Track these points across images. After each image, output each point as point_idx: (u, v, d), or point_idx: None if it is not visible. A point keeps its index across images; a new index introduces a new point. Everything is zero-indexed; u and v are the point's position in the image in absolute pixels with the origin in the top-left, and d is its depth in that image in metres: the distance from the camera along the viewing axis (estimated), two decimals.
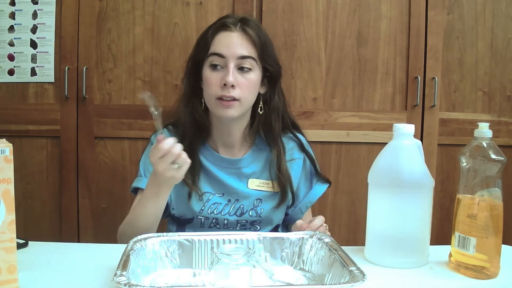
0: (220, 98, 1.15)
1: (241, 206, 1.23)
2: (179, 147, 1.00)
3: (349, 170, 1.87)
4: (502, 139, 1.87)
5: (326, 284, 0.82)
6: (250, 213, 1.23)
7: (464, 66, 1.88)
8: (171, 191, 1.15)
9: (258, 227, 1.25)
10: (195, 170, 1.21)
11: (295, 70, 1.85)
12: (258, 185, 1.25)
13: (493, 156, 0.88)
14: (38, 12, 1.84)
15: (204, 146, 1.26)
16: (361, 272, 0.75)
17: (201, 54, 1.20)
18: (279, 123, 1.26)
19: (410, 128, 0.97)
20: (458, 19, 1.86)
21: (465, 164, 0.92)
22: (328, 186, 1.31)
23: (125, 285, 0.69)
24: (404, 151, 0.97)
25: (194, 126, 1.23)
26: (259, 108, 1.24)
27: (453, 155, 1.89)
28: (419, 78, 1.83)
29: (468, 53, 1.88)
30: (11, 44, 1.86)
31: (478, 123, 0.92)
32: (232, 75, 1.14)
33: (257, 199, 1.24)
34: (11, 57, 1.86)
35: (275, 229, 1.29)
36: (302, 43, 1.85)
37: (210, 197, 1.23)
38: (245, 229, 1.24)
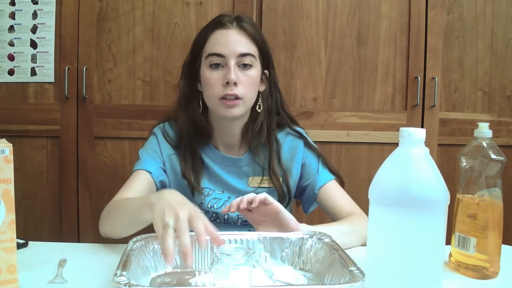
0: (223, 98, 1.14)
1: None
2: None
3: (349, 170, 1.87)
4: (502, 139, 1.87)
5: (326, 284, 0.82)
6: None
7: (464, 66, 1.88)
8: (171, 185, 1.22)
9: None
10: (197, 171, 1.22)
11: (295, 70, 1.85)
12: (258, 182, 1.24)
13: (493, 156, 0.88)
14: (38, 12, 1.84)
15: (207, 146, 1.26)
16: (361, 272, 0.75)
17: (198, 55, 1.19)
18: (273, 121, 1.25)
19: (421, 134, 0.76)
20: (458, 19, 1.86)
21: (465, 164, 0.92)
22: (336, 178, 1.27)
23: (125, 285, 0.69)
24: (415, 162, 0.76)
25: (193, 129, 1.23)
26: (258, 106, 1.24)
27: (453, 155, 1.88)
28: (419, 78, 1.83)
29: (468, 53, 1.87)
30: (11, 44, 1.86)
31: (478, 123, 0.91)
32: (234, 73, 1.13)
33: None
34: (11, 57, 1.86)
35: None
36: (302, 43, 1.85)
37: (210, 193, 1.23)
38: (246, 226, 1.20)
